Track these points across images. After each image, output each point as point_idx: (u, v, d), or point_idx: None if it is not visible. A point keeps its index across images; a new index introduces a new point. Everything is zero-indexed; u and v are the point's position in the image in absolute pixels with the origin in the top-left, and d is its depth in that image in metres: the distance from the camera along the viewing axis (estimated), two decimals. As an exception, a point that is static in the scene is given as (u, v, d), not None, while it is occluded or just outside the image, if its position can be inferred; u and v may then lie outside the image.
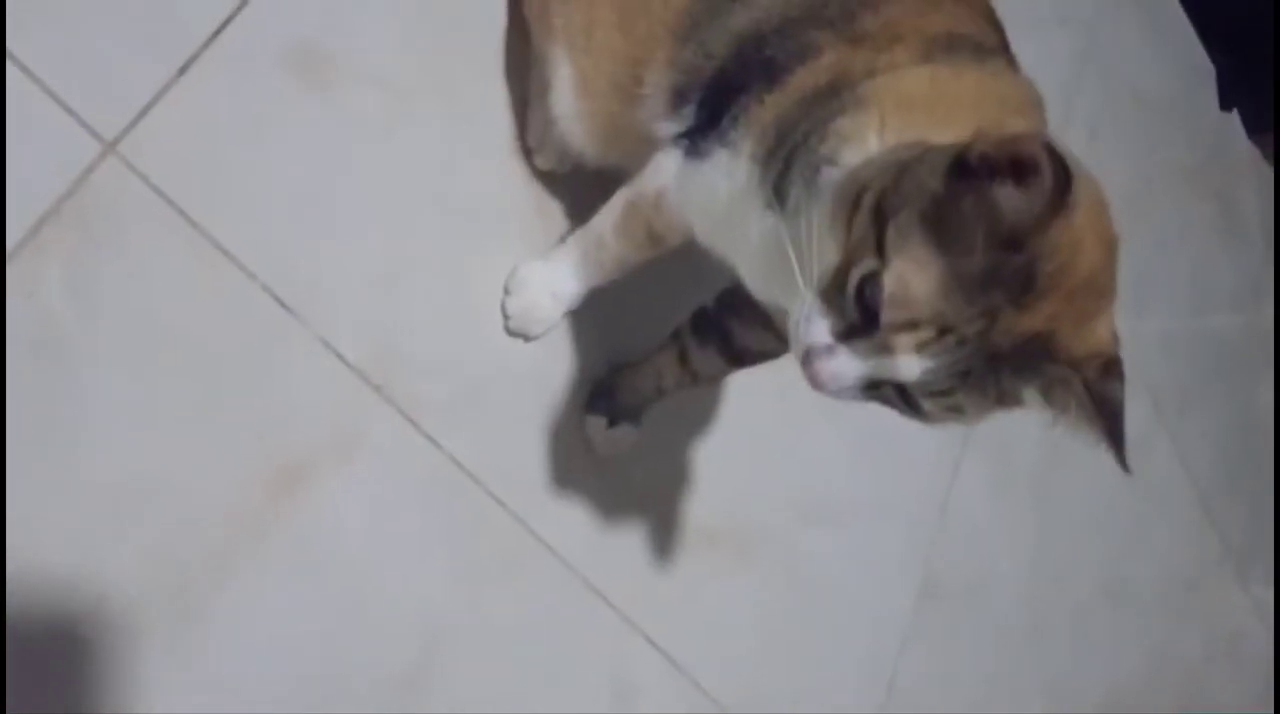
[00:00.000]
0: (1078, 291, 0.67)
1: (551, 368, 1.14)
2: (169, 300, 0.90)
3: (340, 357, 0.99)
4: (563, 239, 1.10)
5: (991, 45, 0.88)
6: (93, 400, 0.86)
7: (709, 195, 0.90)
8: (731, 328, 1.05)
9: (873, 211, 0.70)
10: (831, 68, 0.84)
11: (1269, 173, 2.54)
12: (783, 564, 1.33)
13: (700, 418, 1.27)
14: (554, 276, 1.09)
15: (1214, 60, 2.35)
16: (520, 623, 1.09)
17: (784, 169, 0.81)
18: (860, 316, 0.69)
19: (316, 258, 0.98)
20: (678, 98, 0.94)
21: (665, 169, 0.95)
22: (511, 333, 1.10)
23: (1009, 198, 0.65)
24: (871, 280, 0.68)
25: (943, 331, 0.67)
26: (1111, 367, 0.69)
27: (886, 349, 0.69)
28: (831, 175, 0.76)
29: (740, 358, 1.08)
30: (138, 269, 0.89)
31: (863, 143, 0.76)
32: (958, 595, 1.55)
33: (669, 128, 0.95)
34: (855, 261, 0.69)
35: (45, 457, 0.84)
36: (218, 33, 0.94)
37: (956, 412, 0.72)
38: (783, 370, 1.08)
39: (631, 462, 1.17)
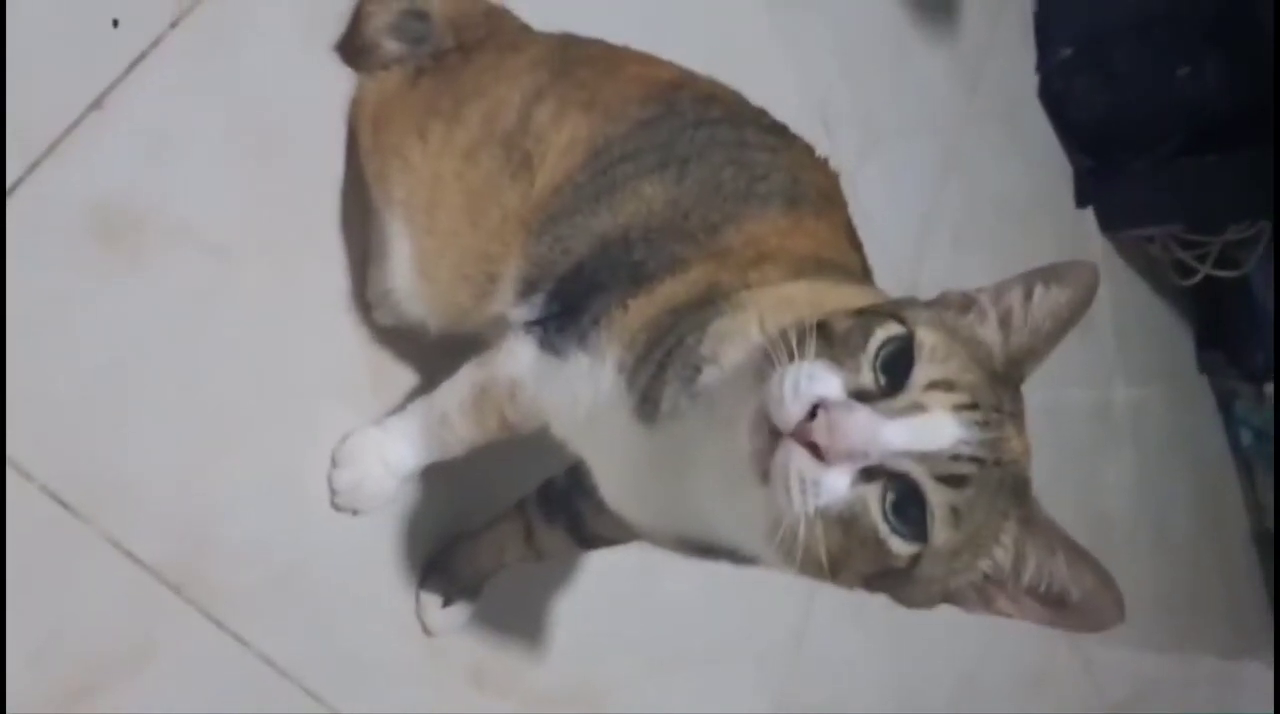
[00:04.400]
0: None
1: (381, 543, 1.04)
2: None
3: (133, 556, 0.87)
4: (402, 406, 1.01)
5: (855, 270, 0.84)
6: None
7: (569, 398, 0.83)
8: (583, 510, 0.97)
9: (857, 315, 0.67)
10: (701, 281, 0.79)
11: (1120, 265, 2.64)
12: (632, 719, 1.27)
13: (543, 573, 1.19)
14: (389, 448, 1.00)
15: (1073, 160, 2.41)
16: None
17: (657, 372, 0.77)
18: (881, 380, 0.64)
19: (109, 448, 0.87)
20: (528, 287, 0.88)
21: (519, 357, 0.87)
22: (338, 508, 1.01)
23: None
24: (897, 342, 0.64)
25: (973, 404, 0.63)
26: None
27: (919, 408, 0.62)
28: (713, 375, 0.73)
29: (591, 542, 1.01)
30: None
31: (745, 338, 0.73)
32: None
33: (519, 314, 0.88)
34: (870, 329, 0.65)
35: None
36: (12, 189, 0.82)
37: (955, 524, 0.63)
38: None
39: (467, 636, 1.09)
